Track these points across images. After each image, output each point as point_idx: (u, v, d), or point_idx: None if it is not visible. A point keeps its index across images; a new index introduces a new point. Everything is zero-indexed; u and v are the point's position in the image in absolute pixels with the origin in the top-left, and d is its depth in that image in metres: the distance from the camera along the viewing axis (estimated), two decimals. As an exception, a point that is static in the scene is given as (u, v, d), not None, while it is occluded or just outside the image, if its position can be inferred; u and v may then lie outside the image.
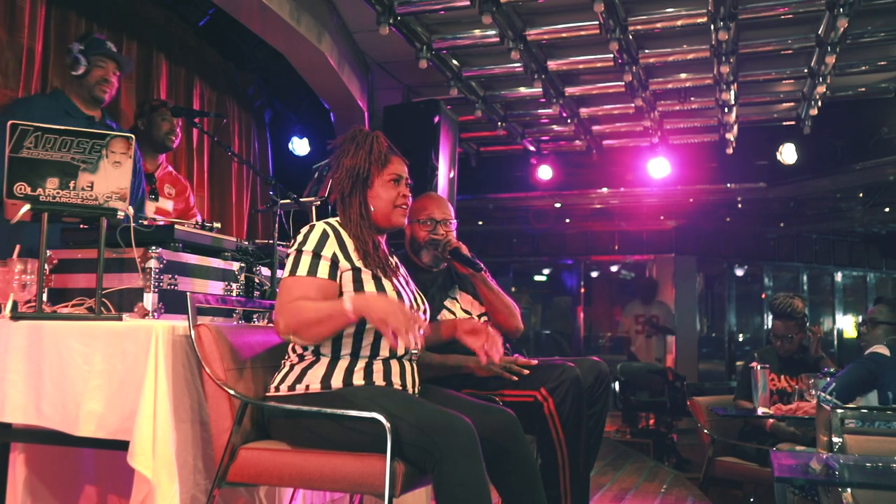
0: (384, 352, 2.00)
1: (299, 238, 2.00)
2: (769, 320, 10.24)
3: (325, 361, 1.96)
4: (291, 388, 1.95)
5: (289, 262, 1.97)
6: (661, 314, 8.46)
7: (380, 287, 2.00)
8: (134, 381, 1.93)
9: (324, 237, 1.99)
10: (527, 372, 2.44)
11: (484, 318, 2.69)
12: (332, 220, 2.06)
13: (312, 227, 2.01)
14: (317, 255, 1.96)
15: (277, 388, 1.97)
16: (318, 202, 2.69)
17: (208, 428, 1.96)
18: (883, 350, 3.09)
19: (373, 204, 2.08)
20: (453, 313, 2.66)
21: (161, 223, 2.39)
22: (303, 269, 1.95)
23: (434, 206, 2.70)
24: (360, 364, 1.97)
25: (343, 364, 1.96)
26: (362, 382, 1.94)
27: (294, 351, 2.00)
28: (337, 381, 1.94)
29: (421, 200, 2.73)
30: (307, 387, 1.94)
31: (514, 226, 10.00)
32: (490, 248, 10.36)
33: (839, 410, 2.42)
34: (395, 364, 1.99)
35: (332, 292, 1.96)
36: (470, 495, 1.71)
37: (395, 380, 1.99)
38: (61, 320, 2.07)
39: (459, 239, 2.67)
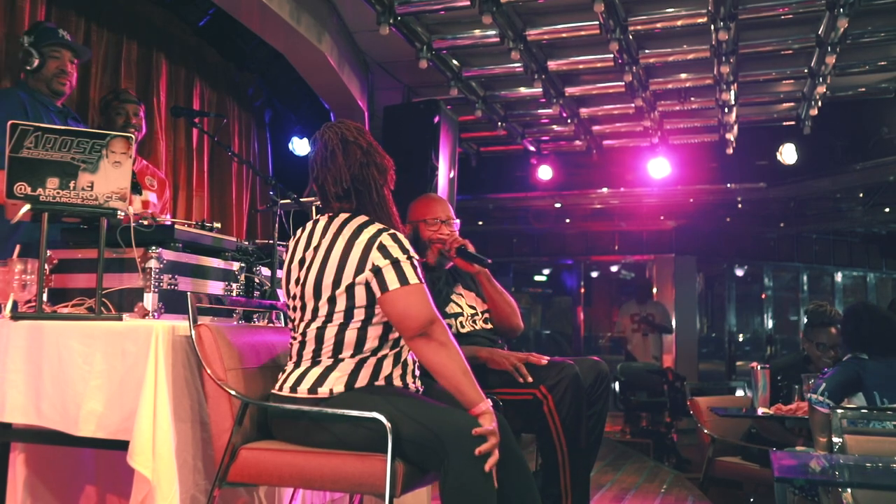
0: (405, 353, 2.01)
1: (400, 244, 1.93)
2: (768, 320, 10.35)
3: (346, 364, 1.94)
4: (312, 390, 1.93)
5: (409, 267, 1.92)
6: (656, 313, 8.47)
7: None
8: (134, 381, 1.93)
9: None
10: (531, 379, 2.42)
11: (486, 315, 2.70)
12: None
13: (394, 234, 1.95)
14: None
15: (294, 390, 1.94)
16: (319, 202, 2.68)
17: (208, 428, 1.96)
18: (862, 354, 3.10)
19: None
20: (460, 307, 2.67)
21: (160, 223, 2.39)
22: (420, 277, 1.94)
23: (438, 206, 2.73)
24: (388, 364, 1.98)
25: (369, 367, 1.96)
26: (382, 383, 1.95)
27: (312, 350, 1.96)
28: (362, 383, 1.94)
29: (424, 201, 2.75)
30: (331, 391, 1.92)
31: (514, 226, 10.00)
32: (490, 248, 10.35)
33: (839, 411, 2.43)
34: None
35: None
36: (474, 497, 1.71)
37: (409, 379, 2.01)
38: (61, 320, 2.07)
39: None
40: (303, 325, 1.98)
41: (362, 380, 1.94)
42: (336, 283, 1.92)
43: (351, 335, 1.93)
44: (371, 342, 1.95)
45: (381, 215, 2.02)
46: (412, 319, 1.89)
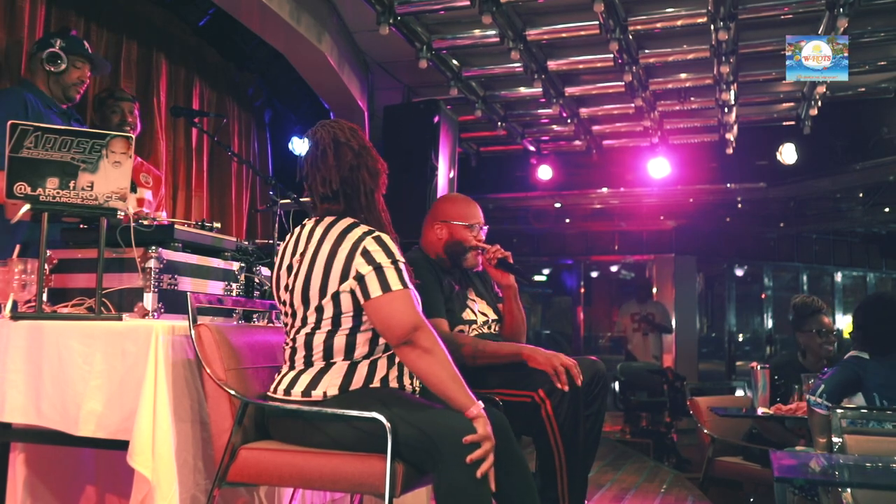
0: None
1: (385, 248, 1.90)
2: (768, 320, 10.35)
3: (339, 368, 1.93)
4: (306, 393, 1.92)
5: (392, 273, 1.87)
6: (657, 312, 8.47)
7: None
8: (134, 381, 1.93)
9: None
10: (567, 388, 2.35)
11: (495, 325, 2.70)
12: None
13: (379, 237, 1.91)
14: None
15: (287, 392, 1.94)
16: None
17: (208, 428, 1.96)
18: (863, 353, 3.10)
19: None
20: (474, 314, 2.66)
21: (160, 223, 2.39)
22: (406, 282, 1.89)
23: (478, 210, 2.71)
24: (382, 366, 1.97)
25: (363, 370, 1.94)
26: (377, 385, 1.94)
27: (303, 356, 1.96)
28: (356, 385, 1.93)
29: (465, 203, 2.71)
30: (324, 394, 1.91)
31: (514, 226, 10.00)
32: (490, 248, 10.33)
33: (839, 411, 2.42)
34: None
35: None
36: (467, 500, 1.71)
37: (406, 381, 2.00)
38: (61, 320, 2.07)
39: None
40: (293, 331, 1.97)
41: (356, 382, 1.93)
42: (322, 291, 1.90)
43: (340, 341, 1.92)
44: (361, 348, 1.94)
45: (370, 219, 1.99)
46: (395, 327, 1.86)
